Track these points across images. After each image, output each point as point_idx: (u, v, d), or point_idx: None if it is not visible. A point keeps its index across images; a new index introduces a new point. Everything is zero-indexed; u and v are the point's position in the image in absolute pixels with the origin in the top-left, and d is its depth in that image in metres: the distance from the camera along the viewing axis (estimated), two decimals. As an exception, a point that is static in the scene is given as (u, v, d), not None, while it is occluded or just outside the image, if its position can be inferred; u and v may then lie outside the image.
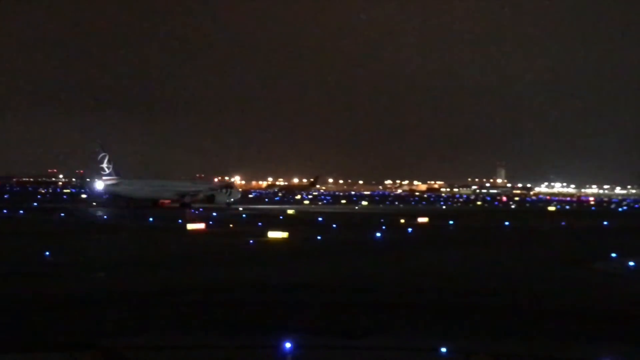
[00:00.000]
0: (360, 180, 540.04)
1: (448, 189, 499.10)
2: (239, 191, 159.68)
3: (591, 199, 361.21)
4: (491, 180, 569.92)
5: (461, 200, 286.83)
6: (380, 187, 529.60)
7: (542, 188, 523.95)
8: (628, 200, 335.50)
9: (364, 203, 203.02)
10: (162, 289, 35.69)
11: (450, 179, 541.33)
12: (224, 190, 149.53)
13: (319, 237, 68.38)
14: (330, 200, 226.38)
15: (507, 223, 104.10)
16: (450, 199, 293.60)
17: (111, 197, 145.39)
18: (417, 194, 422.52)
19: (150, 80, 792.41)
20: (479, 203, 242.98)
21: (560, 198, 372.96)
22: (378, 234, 73.72)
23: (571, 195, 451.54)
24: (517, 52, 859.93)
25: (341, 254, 56.41)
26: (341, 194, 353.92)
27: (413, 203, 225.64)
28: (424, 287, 38.81)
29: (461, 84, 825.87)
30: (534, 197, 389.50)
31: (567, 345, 24.72)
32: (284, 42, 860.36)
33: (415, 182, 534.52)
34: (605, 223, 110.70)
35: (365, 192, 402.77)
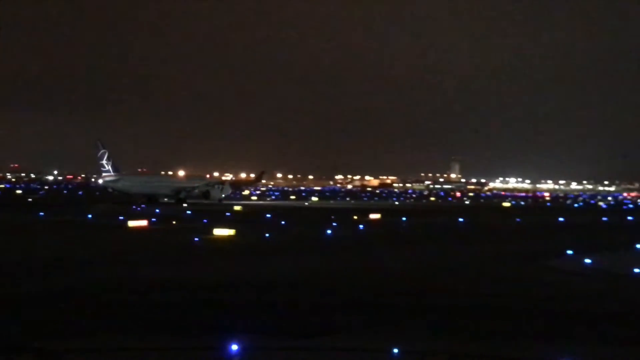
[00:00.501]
0: (311, 175, 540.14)
1: (401, 184, 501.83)
2: (229, 187, 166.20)
3: (546, 194, 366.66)
4: (445, 175, 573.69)
5: (414, 196, 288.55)
6: (331, 182, 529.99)
7: (497, 183, 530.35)
8: (583, 196, 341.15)
9: (314, 199, 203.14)
10: (68, 289, 34.99)
11: (403, 174, 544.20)
12: (217, 187, 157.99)
13: (267, 235, 68.19)
14: (279, 196, 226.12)
15: (461, 219, 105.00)
16: (403, 195, 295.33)
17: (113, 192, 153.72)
18: (368, 189, 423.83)
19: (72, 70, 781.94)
20: (432, 199, 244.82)
21: (515, 194, 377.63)
22: (329, 231, 73.77)
23: (526, 190, 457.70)
24: (473, 46, 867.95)
25: (290, 251, 56.36)
26: (290, 189, 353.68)
27: (365, 199, 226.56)
28: (377, 286, 38.94)
29: (415, 77, 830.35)
30: (488, 193, 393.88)
31: (521, 345, 24.98)
32: (230, 36, 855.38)
33: (367, 177, 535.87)
34: (560, 219, 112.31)
35: (316, 188, 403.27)
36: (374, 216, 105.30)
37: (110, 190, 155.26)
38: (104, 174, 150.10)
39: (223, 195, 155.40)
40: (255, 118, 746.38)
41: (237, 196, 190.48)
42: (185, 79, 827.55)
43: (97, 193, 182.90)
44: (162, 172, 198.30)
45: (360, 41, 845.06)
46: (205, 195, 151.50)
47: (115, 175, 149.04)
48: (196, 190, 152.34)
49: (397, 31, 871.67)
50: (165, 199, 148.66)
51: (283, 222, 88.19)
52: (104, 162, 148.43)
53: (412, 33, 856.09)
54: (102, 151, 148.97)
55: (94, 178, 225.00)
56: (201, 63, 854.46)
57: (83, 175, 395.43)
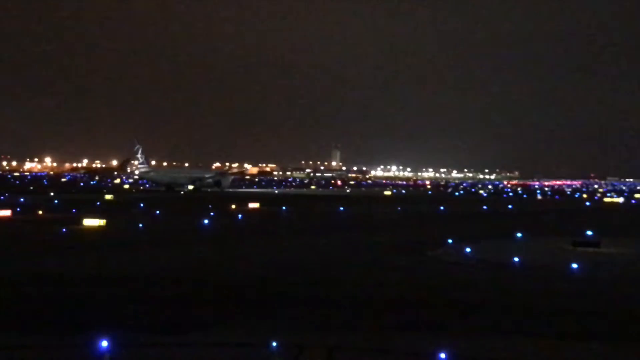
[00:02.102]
0: (187, 162, 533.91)
1: (281, 172, 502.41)
2: (230, 177, 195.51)
3: (427, 182, 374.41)
4: (326, 163, 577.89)
5: (294, 184, 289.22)
6: (128, 169, 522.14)
7: (378, 171, 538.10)
8: (464, 184, 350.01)
9: (190, 187, 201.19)
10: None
11: (283, 162, 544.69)
12: (227, 177, 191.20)
13: (140, 225, 67.13)
14: (154, 185, 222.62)
15: (342, 208, 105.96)
16: (283, 183, 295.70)
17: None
18: (247, 177, 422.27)
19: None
20: (313, 187, 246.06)
21: (397, 182, 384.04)
22: (206, 221, 73.23)
23: (407, 179, 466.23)
24: (355, 33, 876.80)
25: (164, 243, 55.60)
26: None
27: (243, 187, 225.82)
28: (254, 277, 38.88)
29: (295, 64, 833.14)
30: (369, 181, 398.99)
31: (398, 336, 25.46)
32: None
33: (246, 165, 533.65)
34: (441, 208, 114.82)
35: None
36: (253, 205, 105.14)
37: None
38: (139, 166, 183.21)
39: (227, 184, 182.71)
40: (126, 103, 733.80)
41: (109, 184, 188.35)
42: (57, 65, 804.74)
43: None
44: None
45: (233, 19, 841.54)
46: (217, 183, 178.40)
47: (147, 168, 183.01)
48: (210, 180, 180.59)
49: (277, 20, 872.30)
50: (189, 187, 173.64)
51: (157, 212, 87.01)
52: (139, 155, 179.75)
53: (291, 23, 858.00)
54: (137, 146, 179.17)
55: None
56: (67, 49, 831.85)
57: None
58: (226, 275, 39.70)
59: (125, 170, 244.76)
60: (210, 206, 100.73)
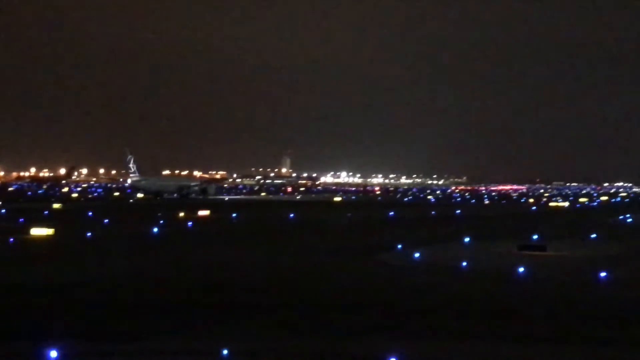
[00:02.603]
0: (167, 170, 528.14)
1: (230, 179, 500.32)
2: (214, 185, 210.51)
3: (377, 188, 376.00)
4: (276, 170, 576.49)
5: (244, 191, 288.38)
6: (121, 178, 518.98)
7: (328, 178, 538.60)
8: (413, 190, 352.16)
9: (140, 195, 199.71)
10: None
11: (233, 169, 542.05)
12: (212, 185, 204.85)
13: (88, 234, 66.57)
14: (102, 193, 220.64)
15: (292, 215, 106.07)
16: (233, 190, 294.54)
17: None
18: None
19: None
20: (263, 194, 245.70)
21: (346, 188, 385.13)
22: (155, 229, 72.83)
23: (357, 185, 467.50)
24: (305, 39, 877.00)
25: (114, 251, 55.13)
26: (114, 185, 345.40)
27: (193, 195, 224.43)
28: (206, 284, 38.79)
29: (244, 70, 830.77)
30: (319, 187, 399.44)
31: (350, 340, 25.63)
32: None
33: (195, 172, 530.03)
34: (391, 213, 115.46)
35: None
36: (203, 213, 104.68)
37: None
38: (131, 175, 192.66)
39: (213, 192, 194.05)
40: (74, 110, 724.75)
41: (57, 193, 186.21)
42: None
43: None
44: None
45: (180, 23, 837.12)
46: (203, 191, 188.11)
47: (139, 177, 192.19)
48: (196, 188, 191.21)
49: (227, 26, 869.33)
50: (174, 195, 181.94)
51: (106, 221, 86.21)
52: (131, 165, 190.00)
53: (246, 31, 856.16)
54: (130, 157, 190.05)
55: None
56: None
57: None
58: (171, 282, 39.45)
59: (70, 177, 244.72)
60: (159, 214, 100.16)
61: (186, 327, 27.54)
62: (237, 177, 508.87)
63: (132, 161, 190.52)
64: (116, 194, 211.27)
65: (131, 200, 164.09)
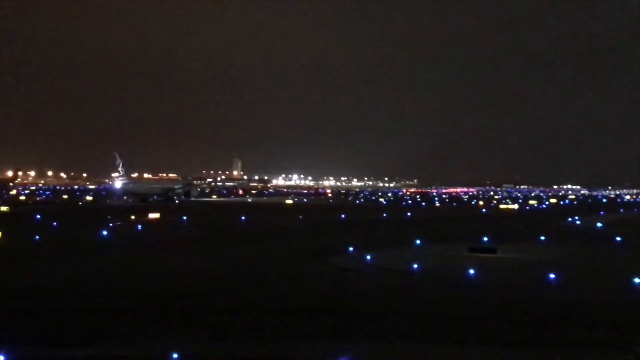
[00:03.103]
0: (85, 173, 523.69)
1: (182, 182, 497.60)
2: (197, 188, 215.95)
3: (328, 191, 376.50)
4: (227, 172, 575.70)
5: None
6: (108, 180, 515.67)
7: (280, 180, 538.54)
8: (365, 192, 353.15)
9: (89, 198, 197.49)
10: None
11: (184, 171, 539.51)
12: (195, 188, 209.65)
13: (37, 237, 65.56)
14: (51, 196, 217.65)
15: (243, 218, 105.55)
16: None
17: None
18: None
19: None
20: (214, 197, 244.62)
21: (298, 190, 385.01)
22: (104, 232, 72.01)
23: (308, 187, 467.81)
24: (256, 42, 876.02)
25: (62, 254, 54.50)
26: (63, 188, 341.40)
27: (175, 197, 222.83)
28: (153, 289, 38.50)
29: (195, 73, 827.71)
30: (271, 190, 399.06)
31: (301, 343, 25.55)
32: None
33: (146, 175, 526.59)
34: (342, 216, 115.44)
35: (91, 186, 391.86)
36: (153, 215, 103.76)
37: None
38: (120, 179, 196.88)
39: (195, 194, 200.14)
40: (26, 112, 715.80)
41: (4, 196, 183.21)
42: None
43: None
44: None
45: (130, 25, 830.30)
46: (186, 194, 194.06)
47: (127, 180, 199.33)
48: (179, 190, 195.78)
49: (178, 27, 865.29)
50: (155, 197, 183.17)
51: (54, 224, 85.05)
52: (120, 169, 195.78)
53: (197, 33, 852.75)
54: (119, 161, 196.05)
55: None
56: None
57: None
58: (124, 286, 39.07)
59: (15, 180, 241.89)
60: (109, 217, 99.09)
61: (149, 330, 27.38)
62: (190, 180, 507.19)
63: (120, 165, 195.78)
64: (65, 196, 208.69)
65: (80, 203, 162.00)
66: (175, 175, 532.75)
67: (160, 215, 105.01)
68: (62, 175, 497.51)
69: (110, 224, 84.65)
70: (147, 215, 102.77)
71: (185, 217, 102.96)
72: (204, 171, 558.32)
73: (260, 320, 30.02)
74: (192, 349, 23.99)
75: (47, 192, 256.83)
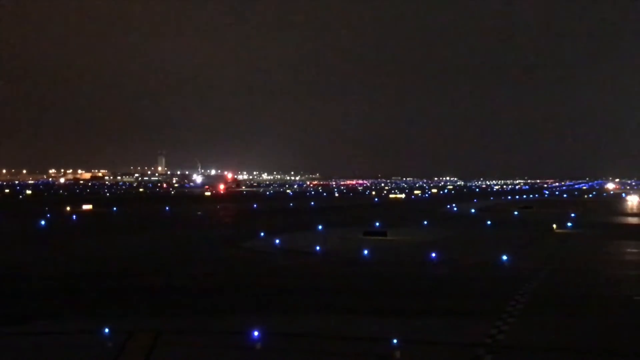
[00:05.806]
0: (24, 169, 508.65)
1: (112, 177, 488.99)
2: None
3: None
4: (152, 168, 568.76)
5: (124, 187, 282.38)
6: (45, 176, 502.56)
7: (199, 176, 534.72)
8: (274, 185, 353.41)
9: (28, 192, 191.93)
10: None
11: (113, 168, 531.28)
12: None
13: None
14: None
15: (167, 208, 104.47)
16: (114, 187, 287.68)
17: None
18: (81, 182, 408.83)
19: None
20: (141, 190, 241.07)
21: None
22: (42, 222, 70.09)
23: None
24: (185, 41, 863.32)
25: None
26: (4, 183, 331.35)
27: (78, 191, 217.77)
28: (84, 271, 37.53)
29: (123, 72, 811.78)
30: (191, 184, 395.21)
31: (219, 318, 25.30)
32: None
33: (80, 171, 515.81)
34: (255, 205, 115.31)
35: (30, 182, 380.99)
36: (87, 207, 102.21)
37: None
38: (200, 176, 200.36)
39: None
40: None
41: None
42: None
43: None
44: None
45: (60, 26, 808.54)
46: None
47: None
48: None
49: (107, 27, 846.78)
50: None
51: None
52: (200, 170, 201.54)
53: (129, 31, 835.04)
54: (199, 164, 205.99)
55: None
56: None
57: None
58: (60, 269, 38.02)
59: None
60: (46, 208, 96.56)
61: (84, 309, 26.60)
62: (117, 175, 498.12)
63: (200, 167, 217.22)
64: (6, 190, 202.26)
65: (20, 197, 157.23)
66: (106, 170, 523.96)
67: (93, 206, 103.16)
68: (4, 171, 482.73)
69: (48, 215, 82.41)
70: (80, 207, 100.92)
71: (115, 208, 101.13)
72: (131, 167, 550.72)
73: (183, 298, 29.55)
74: (125, 324, 23.44)
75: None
